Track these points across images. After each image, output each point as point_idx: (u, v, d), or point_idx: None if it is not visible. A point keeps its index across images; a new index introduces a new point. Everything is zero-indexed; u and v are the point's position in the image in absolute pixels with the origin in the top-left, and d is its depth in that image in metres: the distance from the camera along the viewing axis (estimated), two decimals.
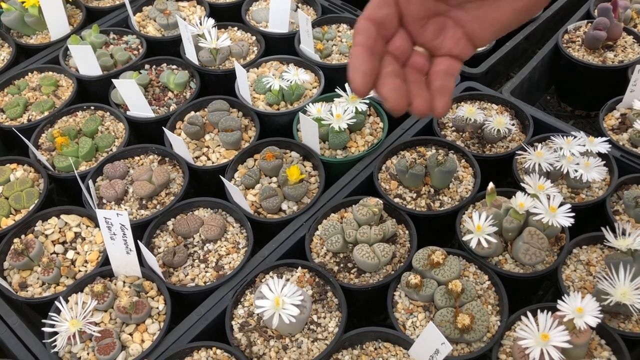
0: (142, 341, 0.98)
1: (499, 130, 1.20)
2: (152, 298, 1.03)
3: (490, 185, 1.05)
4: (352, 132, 1.27)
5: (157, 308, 1.02)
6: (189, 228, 1.11)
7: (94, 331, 0.94)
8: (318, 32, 1.51)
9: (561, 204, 0.98)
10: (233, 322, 0.98)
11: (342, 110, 1.21)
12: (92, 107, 1.39)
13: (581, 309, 0.85)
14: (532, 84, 1.45)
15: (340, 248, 1.04)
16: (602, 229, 0.99)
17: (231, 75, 1.39)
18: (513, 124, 1.25)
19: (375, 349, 0.95)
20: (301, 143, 1.25)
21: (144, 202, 1.19)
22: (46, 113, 1.38)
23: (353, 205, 1.11)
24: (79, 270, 1.10)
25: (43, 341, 0.97)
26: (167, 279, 1.06)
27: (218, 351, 0.95)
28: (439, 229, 1.19)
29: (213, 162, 1.27)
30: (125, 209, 1.18)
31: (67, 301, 1.02)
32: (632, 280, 0.90)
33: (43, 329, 0.96)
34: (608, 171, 1.14)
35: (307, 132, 1.22)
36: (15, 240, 1.11)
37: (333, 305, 0.99)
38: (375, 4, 0.61)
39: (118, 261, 1.05)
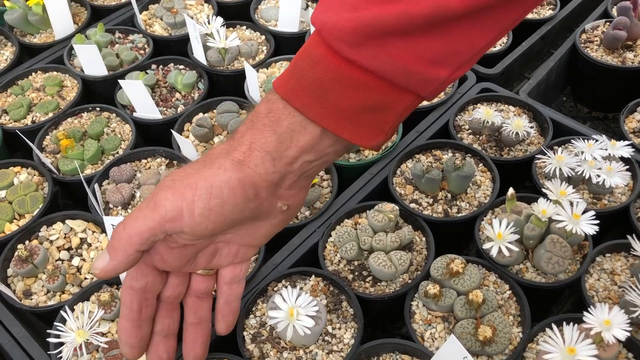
0: None
1: (517, 133, 1.17)
2: None
3: (511, 190, 1.02)
4: None
5: None
6: None
7: (100, 342, 0.91)
8: None
9: (584, 211, 0.95)
10: (245, 333, 0.95)
11: None
12: (98, 109, 1.36)
13: (609, 322, 0.81)
14: (548, 85, 1.41)
15: (355, 256, 1.01)
16: (628, 237, 0.96)
17: (240, 75, 1.35)
18: (532, 127, 1.21)
19: None
20: None
21: None
22: (50, 114, 1.35)
23: (368, 211, 1.08)
24: (85, 278, 1.06)
25: (48, 352, 0.93)
26: None
27: None
28: (456, 236, 1.15)
29: None
30: None
31: (72, 310, 0.98)
32: None
33: (48, 339, 0.92)
34: (631, 176, 1.10)
35: None
36: (20, 246, 1.07)
37: (348, 315, 0.96)
38: (132, 276, 0.65)
39: None
